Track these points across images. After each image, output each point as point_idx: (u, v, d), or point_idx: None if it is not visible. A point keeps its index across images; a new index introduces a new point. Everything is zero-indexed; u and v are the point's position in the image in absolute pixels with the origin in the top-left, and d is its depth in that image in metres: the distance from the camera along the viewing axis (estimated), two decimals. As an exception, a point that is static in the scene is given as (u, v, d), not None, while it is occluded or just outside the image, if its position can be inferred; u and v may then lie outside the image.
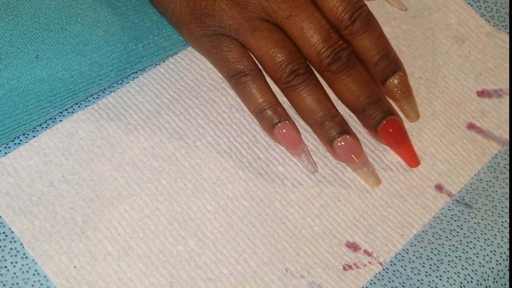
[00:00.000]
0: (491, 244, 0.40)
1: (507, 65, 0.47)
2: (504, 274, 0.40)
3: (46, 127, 0.39)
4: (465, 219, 0.41)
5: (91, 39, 0.39)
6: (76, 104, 0.40)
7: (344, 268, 0.38)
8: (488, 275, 0.39)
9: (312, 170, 0.40)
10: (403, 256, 0.39)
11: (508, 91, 0.46)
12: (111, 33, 0.40)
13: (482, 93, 0.46)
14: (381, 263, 0.38)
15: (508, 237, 0.40)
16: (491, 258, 0.39)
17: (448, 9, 0.49)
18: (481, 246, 0.40)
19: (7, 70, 0.36)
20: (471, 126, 0.45)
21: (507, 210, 0.41)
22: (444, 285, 0.38)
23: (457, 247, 0.39)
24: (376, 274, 0.38)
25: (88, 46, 0.39)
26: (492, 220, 0.41)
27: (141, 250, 0.36)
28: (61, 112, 0.40)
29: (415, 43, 0.47)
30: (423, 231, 0.40)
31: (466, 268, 0.39)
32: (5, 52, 0.37)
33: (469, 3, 0.49)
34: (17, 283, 0.34)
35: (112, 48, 0.39)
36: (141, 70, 0.42)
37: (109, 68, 0.39)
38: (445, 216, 0.41)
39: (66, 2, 0.40)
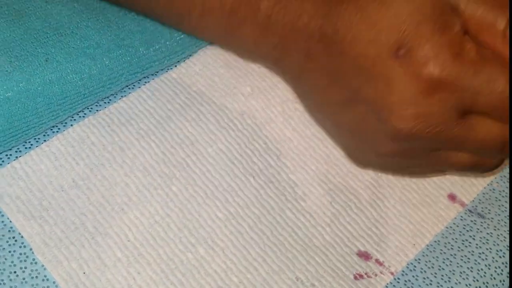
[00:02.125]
0: (503, 256, 0.39)
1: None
2: (517, 286, 0.39)
3: (57, 132, 0.39)
4: (478, 229, 0.40)
5: (101, 42, 0.39)
6: (87, 108, 0.40)
7: (355, 278, 0.37)
8: None
9: None
10: (415, 266, 0.38)
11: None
12: (121, 37, 0.39)
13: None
14: (392, 273, 0.38)
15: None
16: (502, 270, 0.39)
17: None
18: (493, 258, 0.39)
19: (17, 73, 0.36)
20: (484, 135, 0.44)
21: (520, 221, 0.41)
22: (456, 297, 0.38)
23: (469, 258, 0.39)
24: (387, 284, 0.38)
25: (98, 49, 0.38)
26: (505, 231, 0.40)
27: (151, 257, 0.36)
28: (72, 117, 0.40)
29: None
30: (435, 241, 0.39)
31: (477, 280, 0.38)
32: (15, 55, 0.37)
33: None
34: (27, 289, 0.34)
35: (122, 52, 0.39)
36: (152, 75, 0.42)
37: (119, 72, 0.39)
38: (457, 226, 0.40)
39: (77, 7, 0.40)
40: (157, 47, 0.41)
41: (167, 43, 0.41)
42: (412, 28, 0.30)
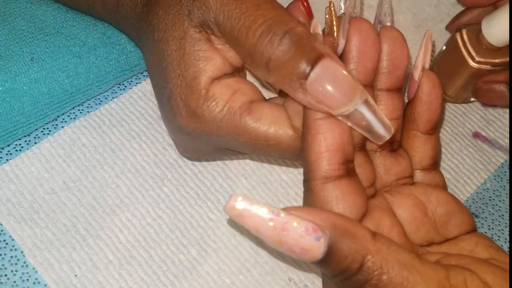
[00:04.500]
0: (498, 255, 0.39)
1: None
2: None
3: (48, 134, 0.39)
4: (471, 228, 0.40)
5: (87, 41, 0.39)
6: (78, 110, 0.40)
7: (348, 278, 0.37)
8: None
9: None
10: (408, 266, 0.38)
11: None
12: (108, 35, 0.39)
13: (488, 101, 0.46)
14: (385, 273, 0.38)
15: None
16: (497, 268, 0.39)
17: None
18: (487, 257, 0.39)
19: (2, 72, 0.36)
20: (476, 135, 0.44)
21: (513, 220, 0.41)
22: (449, 296, 0.37)
23: (463, 257, 0.39)
24: (380, 284, 0.37)
25: (84, 47, 0.38)
26: (499, 230, 0.40)
27: (143, 258, 0.36)
28: (63, 118, 0.39)
29: (421, 51, 0.47)
30: (429, 241, 0.39)
31: (472, 279, 0.38)
32: (0, 55, 0.37)
33: (475, 11, 0.49)
34: (17, 292, 0.34)
35: (109, 50, 0.39)
36: (143, 76, 0.42)
37: (106, 70, 0.39)
38: (450, 225, 0.40)
39: (62, 8, 0.40)
40: (144, 45, 0.41)
41: (155, 42, 0.41)
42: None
